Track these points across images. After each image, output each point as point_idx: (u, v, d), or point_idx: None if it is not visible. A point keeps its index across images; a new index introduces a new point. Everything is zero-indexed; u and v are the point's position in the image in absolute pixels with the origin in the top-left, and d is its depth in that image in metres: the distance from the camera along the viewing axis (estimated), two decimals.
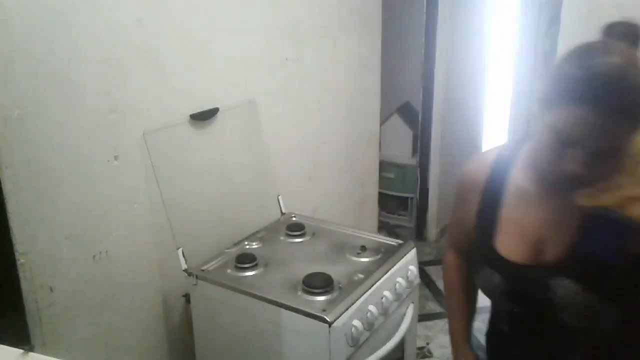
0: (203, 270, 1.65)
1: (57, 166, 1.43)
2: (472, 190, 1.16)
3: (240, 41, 1.94)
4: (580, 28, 1.88)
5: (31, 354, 1.08)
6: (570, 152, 0.90)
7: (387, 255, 1.71)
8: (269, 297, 1.49)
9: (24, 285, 1.39)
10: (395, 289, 1.64)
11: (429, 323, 2.82)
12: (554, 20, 4.04)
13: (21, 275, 1.38)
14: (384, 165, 3.56)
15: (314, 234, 1.88)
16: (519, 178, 1.09)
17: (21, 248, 1.37)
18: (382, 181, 3.45)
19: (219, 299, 1.60)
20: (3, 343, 1.10)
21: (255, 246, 1.81)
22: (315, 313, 1.41)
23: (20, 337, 1.38)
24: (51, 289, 1.45)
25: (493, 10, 4.69)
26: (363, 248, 1.74)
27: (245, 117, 2.00)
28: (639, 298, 1.01)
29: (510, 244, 1.09)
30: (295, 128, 2.27)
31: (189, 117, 1.76)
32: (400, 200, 3.86)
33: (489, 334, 1.28)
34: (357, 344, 1.48)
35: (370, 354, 1.54)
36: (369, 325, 1.51)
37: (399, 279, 1.66)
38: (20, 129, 1.33)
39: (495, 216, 1.11)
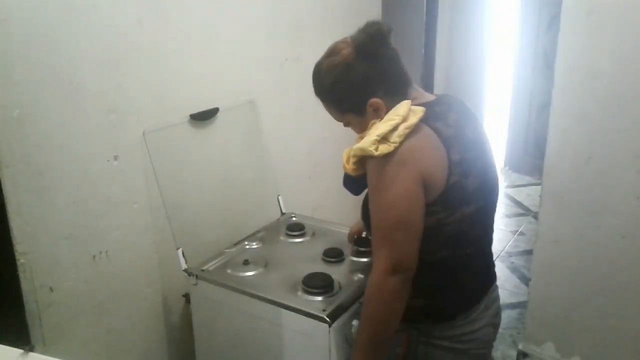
0: (203, 270, 1.65)
1: (57, 166, 1.43)
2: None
3: (240, 41, 1.94)
4: (580, 28, 1.89)
5: (31, 354, 1.08)
6: None
7: None
8: (269, 297, 1.49)
9: (24, 285, 1.39)
10: None
11: None
12: (554, 20, 4.04)
13: (21, 275, 1.38)
14: None
15: (314, 234, 1.88)
16: None
17: (21, 248, 1.37)
18: None
19: (219, 299, 1.60)
20: (3, 343, 1.10)
21: (255, 246, 1.81)
22: (315, 313, 1.41)
23: (20, 337, 1.38)
24: (51, 289, 1.45)
25: (493, 10, 4.69)
26: None
27: (245, 117, 2.00)
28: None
29: None
30: (295, 128, 2.27)
31: (189, 117, 1.76)
32: None
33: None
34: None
35: None
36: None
37: None
38: (20, 129, 1.33)
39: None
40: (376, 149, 1.14)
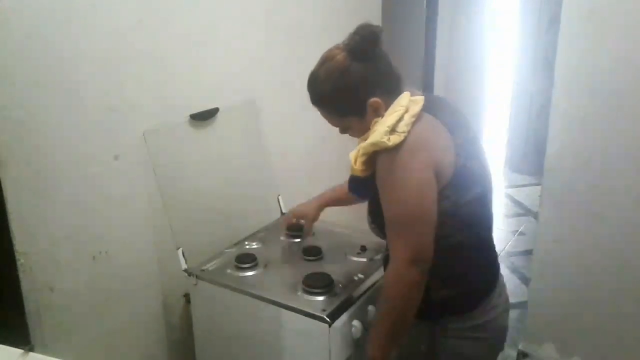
0: (203, 270, 1.65)
1: (57, 166, 1.43)
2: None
3: (241, 41, 1.94)
4: (580, 28, 1.89)
5: (31, 354, 1.08)
6: None
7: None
8: (269, 297, 1.49)
9: (24, 285, 1.39)
10: None
11: None
12: (554, 20, 4.04)
13: (21, 275, 1.38)
14: None
15: (314, 234, 1.88)
16: None
17: (21, 248, 1.37)
18: None
19: (219, 299, 1.60)
20: (3, 343, 1.10)
21: (255, 246, 1.81)
22: (315, 313, 1.41)
23: (20, 337, 1.38)
24: (51, 289, 1.45)
25: (493, 10, 4.69)
26: (363, 248, 1.74)
27: (245, 117, 2.00)
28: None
29: None
30: (295, 128, 2.27)
31: (189, 117, 1.76)
32: None
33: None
34: (357, 344, 1.48)
35: None
36: (369, 325, 1.51)
37: None
38: (21, 129, 1.33)
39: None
40: (389, 140, 1.16)
